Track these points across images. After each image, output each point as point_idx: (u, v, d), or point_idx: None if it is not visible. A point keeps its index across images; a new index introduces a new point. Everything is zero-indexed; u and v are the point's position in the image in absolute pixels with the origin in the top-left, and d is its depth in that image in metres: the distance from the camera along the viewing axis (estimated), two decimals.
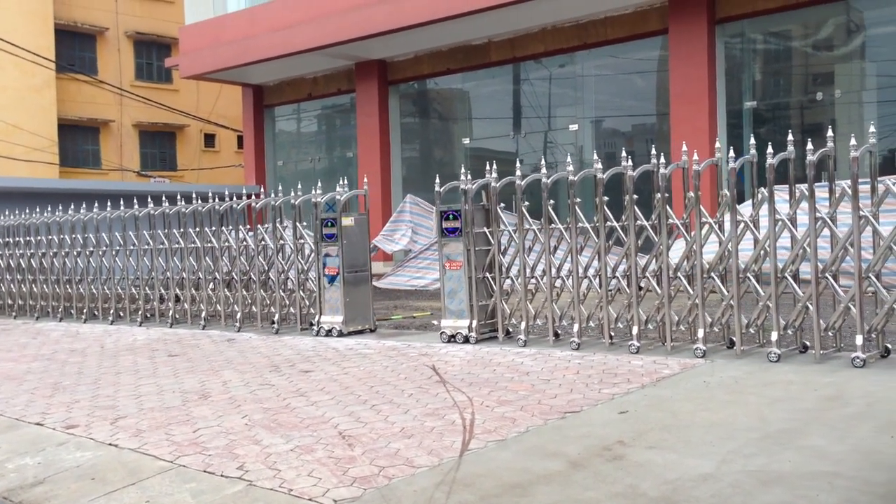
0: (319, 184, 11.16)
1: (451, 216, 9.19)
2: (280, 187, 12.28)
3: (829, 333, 7.20)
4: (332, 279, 10.36)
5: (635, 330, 7.84)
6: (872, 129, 7.11)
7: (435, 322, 11.27)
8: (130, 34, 31.96)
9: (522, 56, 18.84)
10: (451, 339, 9.16)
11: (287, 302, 11.23)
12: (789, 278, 7.25)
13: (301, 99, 23.52)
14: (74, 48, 31.18)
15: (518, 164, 9.08)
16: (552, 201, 8.67)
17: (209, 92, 30.43)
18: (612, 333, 8.28)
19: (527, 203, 8.91)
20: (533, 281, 8.94)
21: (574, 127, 18.48)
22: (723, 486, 4.05)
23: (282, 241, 11.25)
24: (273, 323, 11.01)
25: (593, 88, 18.43)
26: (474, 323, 9.04)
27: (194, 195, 12.61)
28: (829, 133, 7.11)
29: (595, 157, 8.57)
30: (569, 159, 9.08)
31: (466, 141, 20.45)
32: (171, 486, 4.54)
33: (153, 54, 32.64)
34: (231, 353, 9.31)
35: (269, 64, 21.10)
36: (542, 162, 9.24)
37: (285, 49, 20.05)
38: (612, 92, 18.40)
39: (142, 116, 31.93)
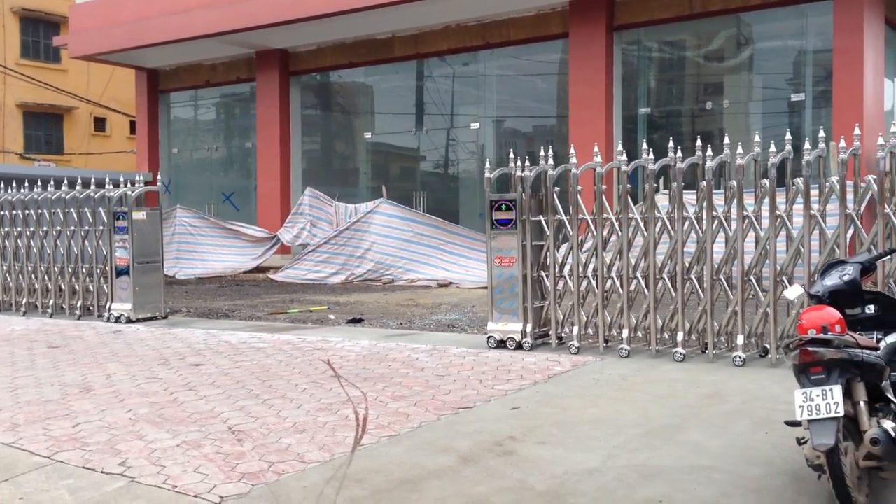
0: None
1: (503, 206, 8.11)
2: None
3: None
4: (122, 269, 10.97)
5: (680, 336, 7.30)
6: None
7: (332, 317, 11.18)
8: (16, 10, 30.35)
9: (426, 53, 18.88)
10: (501, 344, 8.09)
11: (91, 290, 11.69)
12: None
13: (198, 85, 22.86)
14: None
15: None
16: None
17: (100, 74, 29.18)
18: (658, 339, 7.63)
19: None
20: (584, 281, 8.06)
21: (475, 125, 18.64)
22: (608, 480, 4.17)
23: (86, 229, 11.73)
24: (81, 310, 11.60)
25: (495, 88, 18.63)
26: (528, 327, 8.05)
27: (80, 180, 12.23)
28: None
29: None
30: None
31: (368, 135, 20.34)
32: (47, 482, 4.35)
33: (41, 32, 31.07)
34: (117, 344, 8.98)
35: (166, 48, 20.41)
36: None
37: (182, 33, 19.43)
38: (514, 92, 18.64)
39: (27, 96, 30.38)
